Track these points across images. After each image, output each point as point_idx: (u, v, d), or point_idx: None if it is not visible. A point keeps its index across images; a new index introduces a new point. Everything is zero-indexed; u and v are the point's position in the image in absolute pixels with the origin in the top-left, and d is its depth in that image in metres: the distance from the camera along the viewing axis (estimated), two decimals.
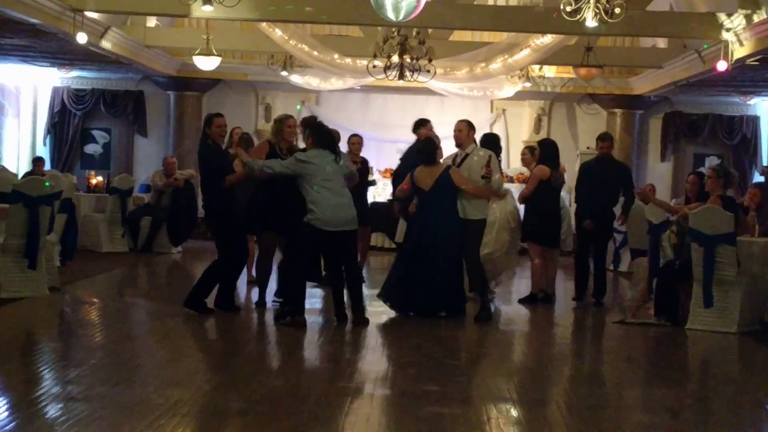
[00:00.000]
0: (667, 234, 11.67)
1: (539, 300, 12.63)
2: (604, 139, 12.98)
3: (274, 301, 11.18)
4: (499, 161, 12.48)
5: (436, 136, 12.01)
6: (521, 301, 12.74)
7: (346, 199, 10.32)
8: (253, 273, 13.25)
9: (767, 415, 7.59)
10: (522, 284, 13.91)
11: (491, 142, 12.60)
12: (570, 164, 19.76)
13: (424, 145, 11.51)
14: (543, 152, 12.87)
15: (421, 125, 12.91)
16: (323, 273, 11.99)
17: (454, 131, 11.61)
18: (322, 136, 10.51)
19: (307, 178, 10.16)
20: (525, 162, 13.27)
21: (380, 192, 20.33)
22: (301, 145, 11.33)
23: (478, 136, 12.15)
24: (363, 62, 17.62)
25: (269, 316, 10.74)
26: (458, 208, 11.07)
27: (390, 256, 18.18)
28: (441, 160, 11.46)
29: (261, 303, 11.31)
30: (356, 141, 13.61)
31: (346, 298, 10.55)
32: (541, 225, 12.50)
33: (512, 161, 21.74)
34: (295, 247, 10.44)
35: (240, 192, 11.78)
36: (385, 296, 11.28)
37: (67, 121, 22.45)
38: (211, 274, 10.82)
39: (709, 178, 11.83)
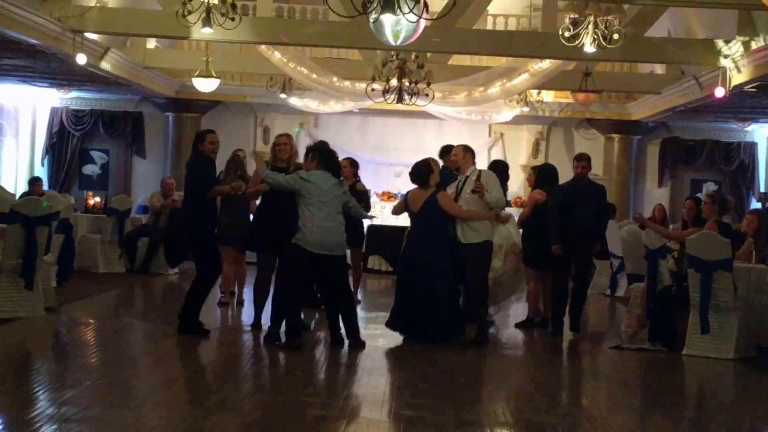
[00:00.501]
0: (666, 259, 11.69)
1: (536, 324, 12.60)
2: (581, 158, 12.45)
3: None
4: (505, 189, 12.51)
5: (434, 160, 11.99)
6: (518, 325, 12.72)
7: (336, 224, 10.33)
8: (235, 292, 13.36)
9: None
10: (520, 308, 13.90)
11: (498, 168, 12.63)
12: None
13: (416, 166, 11.47)
14: (540, 176, 12.93)
15: (446, 152, 12.79)
16: (318, 296, 11.97)
17: (452, 156, 11.72)
18: (327, 159, 10.55)
19: (304, 196, 10.20)
20: (530, 183, 13.33)
21: (378, 215, 20.33)
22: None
23: (481, 160, 12.29)
24: (362, 85, 17.65)
25: (262, 339, 10.73)
26: (458, 233, 11.08)
27: (387, 279, 18.20)
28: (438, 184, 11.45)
29: (257, 325, 11.29)
30: (345, 164, 12.65)
31: (341, 321, 10.56)
32: (538, 248, 12.48)
33: (510, 185, 21.71)
34: (287, 269, 10.46)
35: (238, 210, 11.83)
36: (391, 325, 11.27)
37: (66, 142, 22.46)
38: (194, 293, 10.86)
39: (706, 204, 11.87)
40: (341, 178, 10.69)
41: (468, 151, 11.64)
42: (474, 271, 11.13)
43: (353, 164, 13.43)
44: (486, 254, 11.24)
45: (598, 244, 12.85)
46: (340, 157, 11.73)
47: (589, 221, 12.12)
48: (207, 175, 10.84)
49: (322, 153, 10.62)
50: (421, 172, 11.28)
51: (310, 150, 10.80)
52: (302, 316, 10.78)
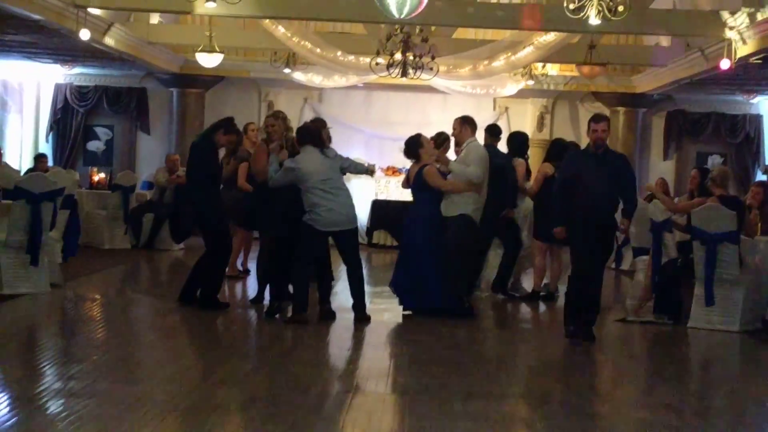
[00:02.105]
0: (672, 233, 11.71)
1: (541, 297, 12.63)
2: (598, 120, 10.14)
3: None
4: (526, 159, 12.51)
5: (444, 133, 12.00)
6: (523, 298, 12.74)
7: (342, 199, 10.35)
8: (238, 267, 13.39)
9: (759, 412, 7.58)
10: (525, 282, 13.89)
11: (517, 140, 12.74)
12: None
13: (406, 141, 11.48)
14: (550, 150, 12.97)
15: (493, 133, 13.15)
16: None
17: (452, 129, 11.72)
18: (302, 134, 10.58)
19: (302, 183, 10.23)
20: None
21: (382, 190, 20.35)
22: None
23: (481, 134, 12.23)
24: (366, 60, 17.60)
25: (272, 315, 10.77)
26: (441, 206, 11.10)
27: (392, 254, 18.22)
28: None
29: (259, 299, 11.34)
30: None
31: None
32: (546, 222, 12.48)
33: None
34: (297, 247, 10.46)
35: (235, 190, 11.86)
36: (394, 290, 11.33)
37: (70, 118, 22.44)
38: (212, 269, 10.90)
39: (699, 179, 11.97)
40: (325, 147, 10.60)
41: (466, 123, 11.57)
42: (448, 244, 11.05)
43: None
44: (461, 227, 11.06)
45: (619, 226, 10.39)
46: (346, 133, 11.68)
47: (609, 198, 9.96)
48: (215, 164, 11.12)
49: (299, 132, 10.66)
50: (409, 146, 11.34)
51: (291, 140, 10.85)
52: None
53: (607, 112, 22.18)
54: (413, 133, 11.72)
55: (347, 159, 10.97)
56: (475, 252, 11.41)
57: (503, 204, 12.49)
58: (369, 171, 11.41)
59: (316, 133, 10.61)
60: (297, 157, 10.33)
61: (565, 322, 10.23)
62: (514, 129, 21.76)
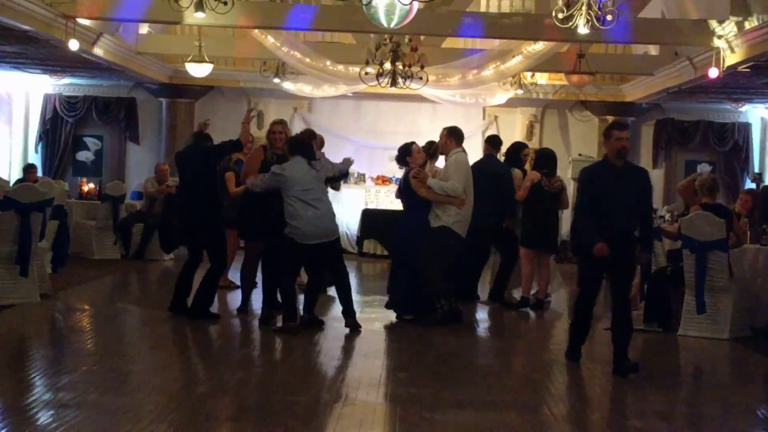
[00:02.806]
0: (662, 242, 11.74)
1: (530, 306, 12.64)
2: (622, 128, 9.17)
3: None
4: (548, 175, 12.52)
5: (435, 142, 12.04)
6: (513, 306, 12.75)
7: (323, 210, 10.38)
8: (229, 278, 13.36)
9: (759, 421, 7.60)
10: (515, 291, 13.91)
11: (545, 156, 12.85)
12: (562, 171, 19.77)
13: (399, 148, 11.64)
14: (536, 159, 13.01)
15: (495, 144, 13.57)
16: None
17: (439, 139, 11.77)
18: (293, 145, 10.62)
19: (284, 190, 10.27)
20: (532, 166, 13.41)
21: (372, 199, 20.36)
22: None
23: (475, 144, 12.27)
24: (355, 69, 17.60)
25: (256, 323, 10.75)
26: (430, 216, 11.15)
27: (382, 263, 18.22)
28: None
29: (244, 309, 11.35)
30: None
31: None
32: (533, 230, 12.52)
33: None
34: (281, 258, 10.48)
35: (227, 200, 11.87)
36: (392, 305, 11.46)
37: (59, 128, 22.40)
38: (210, 281, 10.95)
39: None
40: (314, 159, 10.64)
41: (451, 135, 11.57)
42: (425, 255, 11.04)
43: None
44: (440, 240, 11.07)
45: (646, 252, 9.39)
46: (336, 142, 11.70)
47: (631, 216, 8.96)
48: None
49: (290, 143, 10.71)
50: (399, 153, 11.52)
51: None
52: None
53: (596, 120, 22.31)
54: (403, 142, 11.77)
55: (330, 167, 10.94)
56: (452, 262, 11.32)
57: (501, 212, 12.53)
58: (347, 165, 11.40)
59: (307, 145, 10.65)
60: (284, 164, 10.38)
61: (573, 348, 9.50)
62: (504, 138, 21.90)
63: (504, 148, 14.12)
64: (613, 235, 8.72)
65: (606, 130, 9.15)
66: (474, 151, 14.18)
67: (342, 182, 12.50)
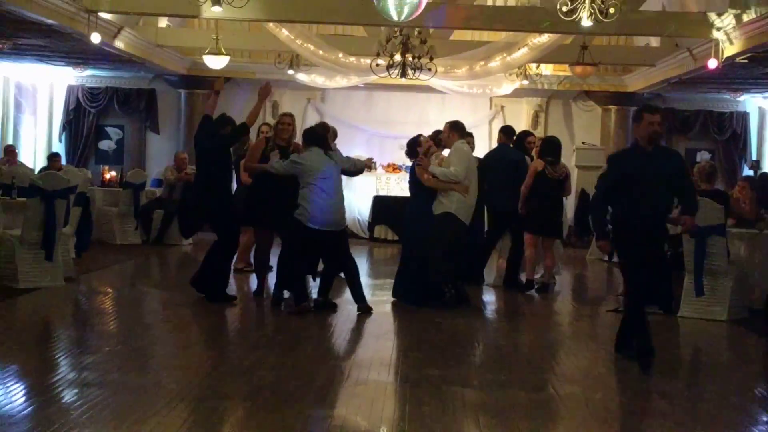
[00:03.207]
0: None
1: (535, 289, 12.63)
2: (654, 111, 8.47)
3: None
4: (552, 163, 12.48)
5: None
6: (519, 288, 12.74)
7: (336, 200, 10.42)
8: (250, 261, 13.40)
9: (756, 398, 7.58)
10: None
11: (549, 144, 12.94)
12: (566, 159, 19.72)
13: (409, 140, 11.76)
14: (541, 147, 13.00)
15: (507, 133, 13.69)
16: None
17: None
18: (309, 136, 10.66)
19: (302, 177, 10.33)
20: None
21: (383, 186, 20.35)
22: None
23: (482, 133, 12.25)
24: (366, 61, 17.59)
25: (271, 306, 10.77)
26: (434, 203, 11.19)
27: (393, 248, 18.23)
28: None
29: (259, 292, 11.35)
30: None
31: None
32: (536, 215, 12.51)
33: None
34: (290, 241, 10.50)
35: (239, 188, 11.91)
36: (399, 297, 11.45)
37: (82, 119, 22.46)
38: (222, 264, 10.96)
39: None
40: (327, 146, 10.68)
41: (453, 129, 11.54)
42: (430, 241, 11.06)
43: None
44: (442, 226, 11.06)
45: (689, 215, 8.60)
46: (348, 132, 11.73)
47: (665, 202, 8.46)
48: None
49: (306, 134, 10.75)
50: (409, 146, 11.64)
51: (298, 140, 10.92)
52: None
53: (599, 110, 22.27)
54: (413, 131, 11.80)
55: (348, 160, 11.00)
56: (457, 247, 11.30)
57: (516, 198, 12.56)
58: (367, 166, 11.43)
59: (322, 136, 10.73)
60: (304, 154, 10.44)
61: (623, 344, 8.70)
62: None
63: None
64: (645, 221, 8.18)
65: (636, 114, 8.48)
66: (481, 139, 14.19)
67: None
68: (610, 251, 8.57)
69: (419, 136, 11.69)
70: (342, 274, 10.93)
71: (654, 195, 8.19)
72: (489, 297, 12.45)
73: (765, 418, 6.98)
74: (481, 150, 14.57)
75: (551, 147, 12.88)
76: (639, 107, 8.58)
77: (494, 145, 20.37)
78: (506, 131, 13.79)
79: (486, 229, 13.17)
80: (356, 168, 11.13)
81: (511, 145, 13.42)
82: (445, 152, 11.92)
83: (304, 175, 10.29)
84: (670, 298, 11.17)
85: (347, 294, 10.95)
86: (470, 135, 12.61)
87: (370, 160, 11.57)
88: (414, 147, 11.45)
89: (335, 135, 12.61)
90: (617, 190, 8.27)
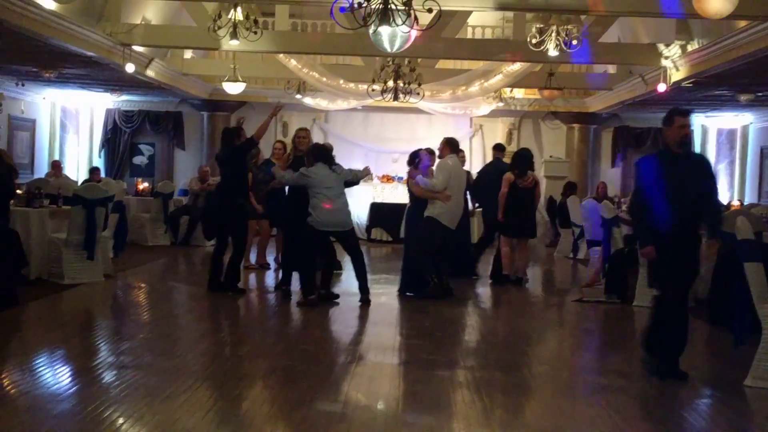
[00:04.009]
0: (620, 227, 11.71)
1: (511, 282, 12.60)
2: (684, 114, 7.25)
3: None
4: (519, 175, 12.44)
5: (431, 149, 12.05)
6: (494, 282, 12.74)
7: (340, 205, 10.42)
8: (251, 260, 13.38)
9: (702, 376, 7.56)
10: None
11: (516, 158, 12.92)
12: (535, 171, 19.75)
13: (411, 153, 11.79)
14: (512, 160, 12.99)
15: (498, 149, 14.02)
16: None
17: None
18: (316, 153, 10.64)
19: (310, 187, 10.33)
20: None
21: (379, 194, 20.33)
22: None
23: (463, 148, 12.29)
24: (364, 86, 17.60)
25: (284, 298, 10.74)
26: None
27: (387, 248, 18.22)
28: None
29: (280, 286, 11.34)
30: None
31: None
32: (509, 220, 12.51)
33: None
34: (303, 241, 10.50)
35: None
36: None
37: (118, 137, 22.47)
38: (235, 261, 10.99)
39: None
40: (333, 162, 10.68)
41: (447, 144, 11.58)
42: (416, 239, 11.17)
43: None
44: (426, 228, 11.08)
45: (715, 239, 7.18)
46: (347, 148, 11.72)
47: (695, 206, 7.04)
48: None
49: (313, 151, 10.73)
50: (411, 156, 11.69)
51: (307, 153, 10.87)
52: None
53: (564, 128, 22.27)
54: (404, 147, 11.87)
55: (350, 171, 11.00)
56: (438, 247, 11.27)
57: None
58: (365, 173, 11.40)
59: (327, 153, 10.72)
60: (311, 168, 10.41)
61: (650, 356, 7.30)
62: (487, 143, 22.06)
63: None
64: (677, 228, 6.96)
65: (667, 117, 7.18)
66: (492, 156, 14.33)
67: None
68: (654, 257, 7.10)
69: (419, 150, 11.74)
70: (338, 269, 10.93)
71: (684, 200, 6.95)
72: (471, 289, 12.44)
73: (708, 392, 6.97)
74: (468, 163, 14.70)
75: (518, 159, 12.85)
76: (670, 110, 7.23)
77: (475, 158, 20.54)
78: (498, 148, 14.01)
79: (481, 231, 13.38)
80: (357, 178, 11.12)
81: (504, 160, 13.52)
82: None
83: (313, 186, 10.30)
84: (626, 289, 11.16)
85: (347, 287, 10.93)
86: (461, 151, 12.62)
87: (368, 168, 11.55)
88: (414, 158, 11.50)
89: (331, 149, 12.58)
90: (648, 196, 7.06)
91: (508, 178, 12.53)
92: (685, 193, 6.94)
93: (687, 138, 7.12)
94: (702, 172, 7.09)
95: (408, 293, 11.23)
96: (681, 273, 7.02)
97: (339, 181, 10.48)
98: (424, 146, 12.36)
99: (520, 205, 12.47)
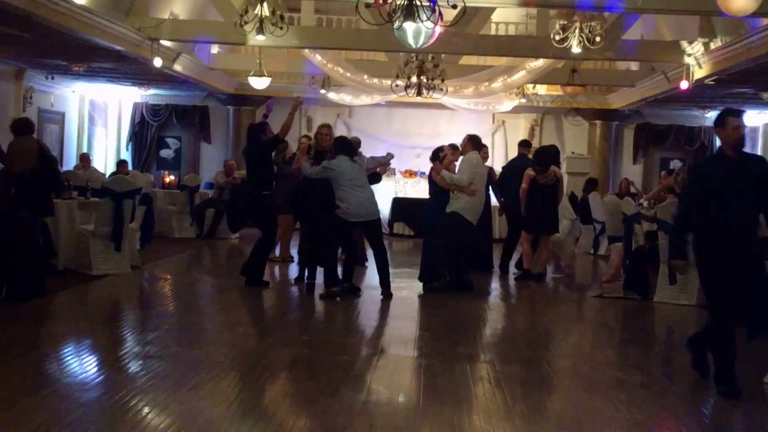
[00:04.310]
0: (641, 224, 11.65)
1: (533, 277, 12.58)
2: (738, 114, 6.66)
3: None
4: (540, 171, 12.41)
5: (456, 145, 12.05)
6: (516, 278, 12.72)
7: (367, 194, 10.44)
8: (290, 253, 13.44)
9: None
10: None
11: (537, 155, 13.07)
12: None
13: (435, 149, 11.83)
14: (534, 156, 12.98)
15: (525, 145, 14.10)
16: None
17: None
18: (339, 146, 10.62)
19: (334, 180, 10.33)
20: None
21: (401, 189, 20.34)
22: None
23: (486, 143, 12.32)
24: (387, 82, 17.59)
25: (308, 291, 10.77)
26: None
27: (409, 242, 18.22)
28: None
29: (300, 279, 11.35)
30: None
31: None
32: (531, 216, 12.50)
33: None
34: (328, 234, 10.49)
35: (289, 183, 11.91)
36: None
37: (146, 131, 22.56)
38: (260, 254, 10.98)
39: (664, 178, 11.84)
40: (354, 154, 10.66)
41: (470, 141, 11.59)
42: (437, 234, 11.11)
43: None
44: (448, 221, 11.05)
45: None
46: (371, 143, 11.73)
47: (753, 211, 6.59)
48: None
49: (335, 144, 10.72)
50: (434, 152, 11.72)
51: (331, 147, 10.87)
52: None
53: (586, 125, 22.17)
54: (427, 142, 11.86)
55: (372, 159, 11.02)
56: (458, 240, 11.24)
57: None
58: (388, 158, 11.36)
59: (350, 146, 10.70)
60: (333, 161, 10.40)
61: (723, 378, 6.52)
62: (509, 139, 22.02)
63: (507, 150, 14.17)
64: (731, 234, 6.44)
65: (719, 118, 6.62)
66: (518, 152, 14.24)
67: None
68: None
69: (443, 146, 11.75)
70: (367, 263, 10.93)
71: (741, 206, 6.44)
72: (493, 283, 12.43)
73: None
74: (490, 158, 14.71)
75: (539, 156, 12.86)
76: (722, 110, 6.72)
77: (497, 154, 20.52)
78: (524, 144, 14.06)
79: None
80: (379, 164, 11.08)
81: (529, 156, 13.50)
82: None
83: (337, 178, 10.29)
84: (647, 285, 11.10)
85: (369, 280, 10.95)
86: (485, 146, 12.54)
87: (390, 154, 11.51)
88: (437, 153, 11.52)
89: (359, 144, 12.61)
90: (701, 202, 6.52)
91: (528, 174, 12.50)
92: (740, 198, 6.41)
93: (742, 140, 6.56)
94: (758, 175, 6.51)
95: (426, 284, 11.21)
96: (735, 291, 6.40)
97: (361, 172, 10.48)
98: (446, 142, 12.33)
99: (541, 201, 12.44)
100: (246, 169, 11.44)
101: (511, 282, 12.60)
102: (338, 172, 10.30)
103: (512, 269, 13.32)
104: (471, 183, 11.04)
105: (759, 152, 21.25)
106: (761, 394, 6.58)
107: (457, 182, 11.04)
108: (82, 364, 6.72)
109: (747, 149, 6.68)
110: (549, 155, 12.80)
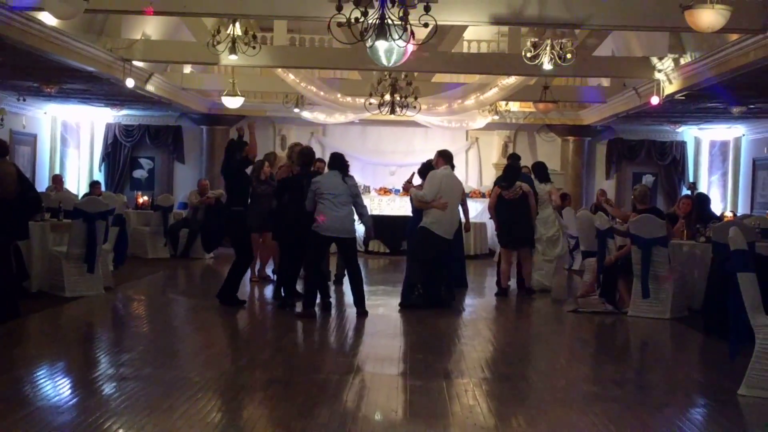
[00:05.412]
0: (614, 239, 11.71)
1: (526, 290, 12.62)
2: None
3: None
4: (506, 187, 12.45)
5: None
6: (496, 294, 12.73)
7: (345, 213, 10.41)
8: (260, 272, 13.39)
9: (696, 385, 7.58)
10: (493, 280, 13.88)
11: (504, 170, 13.06)
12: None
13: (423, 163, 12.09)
14: (502, 172, 13.12)
15: (514, 158, 13.84)
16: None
17: None
18: (333, 161, 10.69)
19: (318, 193, 10.34)
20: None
21: (376, 207, 20.35)
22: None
23: (459, 161, 12.31)
24: (361, 100, 17.64)
25: (281, 309, 10.73)
26: None
27: (385, 259, 18.20)
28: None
29: (278, 297, 11.32)
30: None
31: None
32: (503, 232, 12.57)
33: (484, 179, 21.82)
34: (307, 252, 10.49)
35: (264, 202, 11.89)
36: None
37: (119, 151, 22.47)
38: (235, 273, 10.95)
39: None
40: (347, 175, 10.66)
41: (440, 156, 11.64)
42: (409, 250, 11.37)
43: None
44: (418, 237, 11.19)
45: None
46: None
47: None
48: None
49: (331, 158, 10.79)
50: (423, 164, 12.03)
51: (298, 155, 10.94)
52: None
53: (559, 141, 22.30)
54: (401, 160, 11.91)
55: (360, 198, 10.79)
56: (430, 256, 11.24)
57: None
58: (367, 227, 11.11)
59: (344, 164, 10.67)
60: (319, 176, 10.49)
61: None
62: (483, 156, 22.10)
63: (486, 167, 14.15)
64: None
65: None
66: (458, 166, 14.12)
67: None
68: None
69: (430, 161, 11.90)
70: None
71: None
72: (467, 300, 12.44)
73: (702, 401, 6.97)
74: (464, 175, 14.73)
75: (505, 171, 12.94)
76: None
77: (471, 171, 20.57)
78: (513, 158, 13.96)
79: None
80: (362, 215, 10.82)
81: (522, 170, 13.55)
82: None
83: (320, 192, 10.33)
84: (617, 298, 11.17)
85: (347, 298, 10.93)
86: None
87: (371, 230, 11.10)
88: (423, 168, 11.69)
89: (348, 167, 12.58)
90: None
91: (496, 191, 12.61)
92: None
93: None
94: None
95: (400, 302, 11.19)
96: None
97: (346, 191, 10.46)
98: (421, 160, 12.42)
99: (512, 217, 12.50)
100: (224, 185, 11.48)
101: (487, 298, 12.62)
102: (322, 185, 10.31)
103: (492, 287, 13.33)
104: (440, 196, 11.07)
105: (729, 166, 21.44)
106: (737, 407, 6.61)
107: (420, 198, 11.14)
108: (56, 387, 6.66)
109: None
110: (513, 170, 12.88)
